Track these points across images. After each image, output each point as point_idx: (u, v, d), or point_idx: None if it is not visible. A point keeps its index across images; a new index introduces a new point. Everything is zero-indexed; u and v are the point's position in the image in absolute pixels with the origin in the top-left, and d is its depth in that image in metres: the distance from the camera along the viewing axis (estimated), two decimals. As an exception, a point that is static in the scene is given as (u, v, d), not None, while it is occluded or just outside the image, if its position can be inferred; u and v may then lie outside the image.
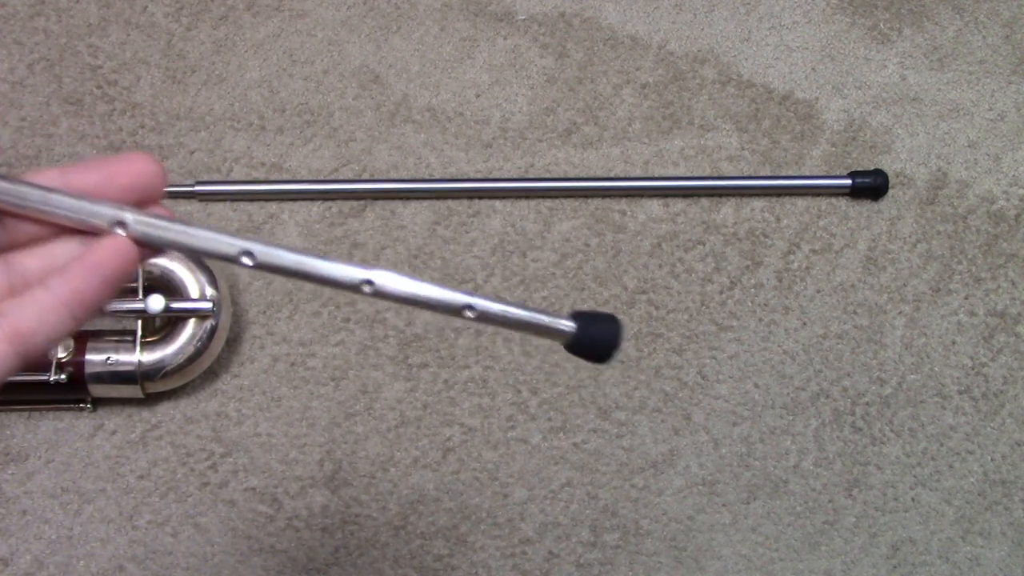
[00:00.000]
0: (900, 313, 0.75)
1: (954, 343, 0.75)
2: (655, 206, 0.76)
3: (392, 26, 0.79)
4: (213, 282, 0.67)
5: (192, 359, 0.66)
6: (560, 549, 0.69)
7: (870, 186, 0.76)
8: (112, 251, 0.31)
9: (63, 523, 0.67)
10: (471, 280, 0.73)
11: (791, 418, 0.73)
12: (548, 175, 0.76)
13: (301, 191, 0.74)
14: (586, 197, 0.76)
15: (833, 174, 0.78)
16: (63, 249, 0.32)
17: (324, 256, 0.33)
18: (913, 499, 0.72)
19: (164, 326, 0.67)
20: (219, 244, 0.33)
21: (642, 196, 0.76)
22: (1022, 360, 0.75)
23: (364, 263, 0.33)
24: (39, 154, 0.73)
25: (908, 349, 0.75)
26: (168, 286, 0.66)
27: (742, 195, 0.77)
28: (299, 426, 0.70)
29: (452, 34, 0.79)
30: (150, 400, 0.69)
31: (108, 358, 0.65)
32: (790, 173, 0.78)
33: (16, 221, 0.31)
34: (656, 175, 0.77)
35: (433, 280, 0.35)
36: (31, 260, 0.31)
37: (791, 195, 0.77)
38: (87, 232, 0.31)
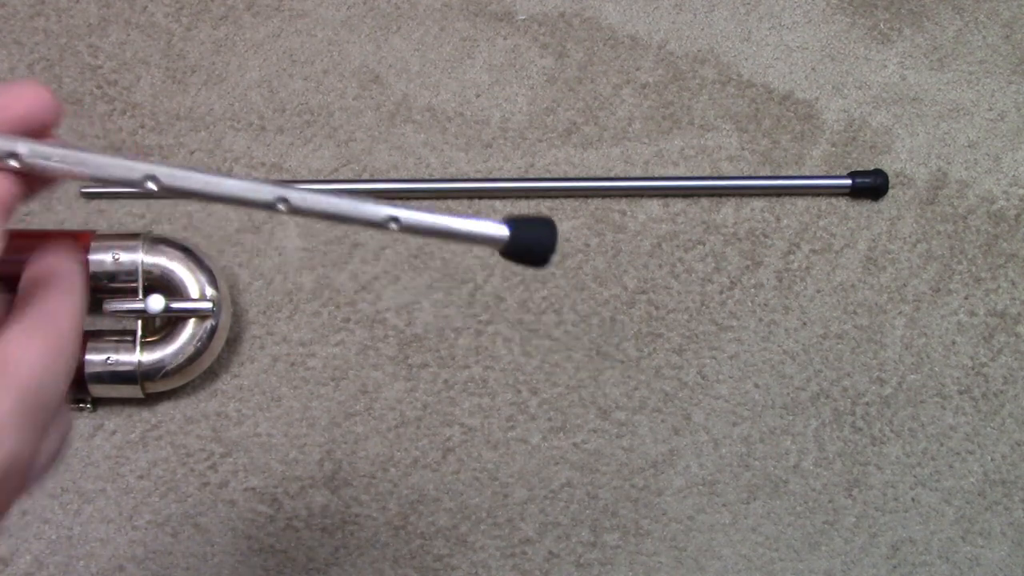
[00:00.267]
0: (900, 313, 0.75)
1: (954, 343, 0.75)
2: (655, 206, 0.76)
3: (392, 26, 0.79)
4: (213, 282, 0.67)
5: (192, 359, 0.67)
6: (560, 549, 0.69)
7: (870, 186, 0.76)
8: None
9: (63, 523, 0.67)
10: (471, 280, 0.73)
11: (791, 418, 0.73)
12: (548, 175, 0.76)
13: (295, 185, 0.74)
14: (586, 197, 0.76)
15: (833, 174, 0.78)
16: None
17: (233, 176, 0.32)
18: (913, 499, 0.72)
19: (164, 326, 0.67)
20: (120, 169, 0.31)
21: (642, 196, 0.76)
22: (1022, 360, 0.75)
23: (278, 182, 0.33)
24: (39, 154, 0.73)
25: (908, 349, 0.75)
26: (168, 286, 0.67)
27: (742, 195, 0.77)
28: (299, 426, 0.70)
29: (452, 34, 0.79)
30: (150, 400, 0.69)
31: (108, 358, 0.65)
32: (790, 173, 0.78)
33: None
34: (656, 175, 0.77)
35: (352, 195, 0.33)
36: None
37: (791, 195, 0.77)
38: None
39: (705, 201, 0.76)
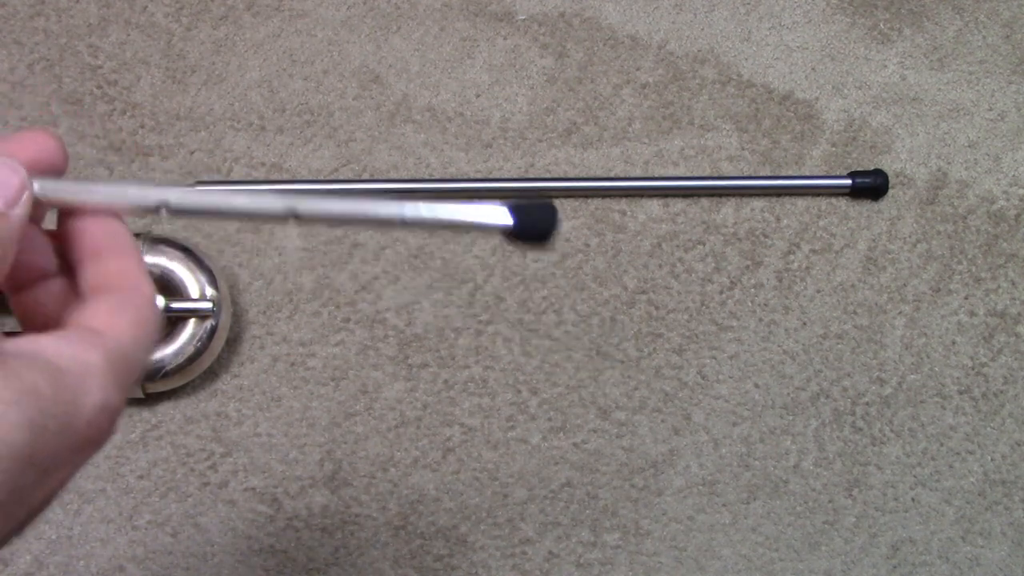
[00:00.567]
0: (900, 313, 0.75)
1: (954, 343, 0.75)
2: (655, 206, 0.76)
3: (392, 26, 0.79)
4: (213, 282, 0.67)
5: (192, 359, 0.67)
6: (560, 549, 0.69)
7: (870, 186, 0.76)
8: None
9: (63, 523, 0.67)
10: (471, 280, 0.73)
11: (791, 418, 0.73)
12: (548, 175, 0.76)
13: (301, 191, 0.74)
14: (586, 197, 0.76)
15: (833, 174, 0.78)
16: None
17: (242, 190, 0.33)
18: (913, 499, 0.72)
19: (164, 326, 0.67)
20: (131, 197, 0.32)
21: (642, 196, 0.76)
22: (1022, 360, 0.75)
23: (286, 191, 0.33)
24: (39, 154, 0.73)
25: (908, 349, 0.75)
26: (168, 286, 0.67)
27: (742, 195, 0.77)
28: (299, 426, 0.70)
29: (452, 34, 0.79)
30: (150, 400, 0.69)
31: (108, 358, 0.65)
32: (790, 173, 0.78)
33: None
34: (656, 175, 0.77)
35: (358, 195, 0.34)
36: None
37: (791, 195, 0.77)
38: None
39: (705, 201, 0.76)
